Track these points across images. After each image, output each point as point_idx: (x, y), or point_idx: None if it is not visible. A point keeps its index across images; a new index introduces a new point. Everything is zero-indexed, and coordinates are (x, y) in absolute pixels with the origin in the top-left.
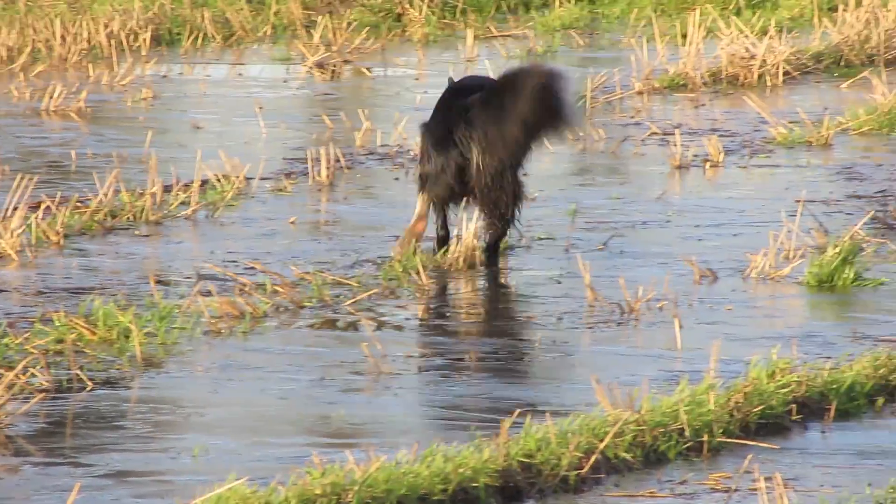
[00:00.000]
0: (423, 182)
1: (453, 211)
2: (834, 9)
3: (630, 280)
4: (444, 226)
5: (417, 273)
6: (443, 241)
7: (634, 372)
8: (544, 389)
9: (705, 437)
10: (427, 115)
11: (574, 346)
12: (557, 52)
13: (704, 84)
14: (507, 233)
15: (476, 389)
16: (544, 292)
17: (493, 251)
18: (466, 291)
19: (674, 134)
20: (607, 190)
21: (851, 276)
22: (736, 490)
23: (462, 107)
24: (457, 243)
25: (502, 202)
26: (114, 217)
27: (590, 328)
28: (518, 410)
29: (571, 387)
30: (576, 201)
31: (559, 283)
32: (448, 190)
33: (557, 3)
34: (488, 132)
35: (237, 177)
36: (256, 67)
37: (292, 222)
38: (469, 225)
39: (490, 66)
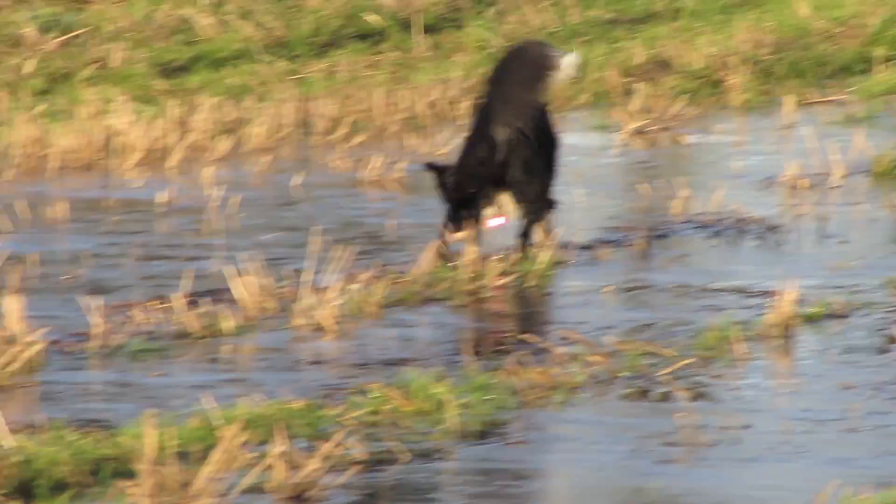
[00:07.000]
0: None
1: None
2: None
3: None
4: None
5: (734, 343)
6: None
7: None
8: None
9: None
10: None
11: None
12: (879, 117)
13: None
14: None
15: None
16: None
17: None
18: (784, 361)
19: None
20: None
21: None
22: None
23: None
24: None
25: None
26: (430, 287)
27: None
28: None
29: None
30: None
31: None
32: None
33: (884, 67)
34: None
35: (551, 246)
36: (574, 135)
37: (607, 291)
38: None
39: (809, 133)
